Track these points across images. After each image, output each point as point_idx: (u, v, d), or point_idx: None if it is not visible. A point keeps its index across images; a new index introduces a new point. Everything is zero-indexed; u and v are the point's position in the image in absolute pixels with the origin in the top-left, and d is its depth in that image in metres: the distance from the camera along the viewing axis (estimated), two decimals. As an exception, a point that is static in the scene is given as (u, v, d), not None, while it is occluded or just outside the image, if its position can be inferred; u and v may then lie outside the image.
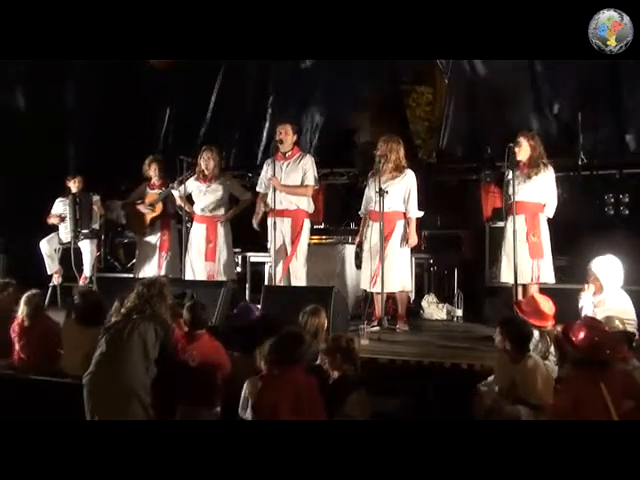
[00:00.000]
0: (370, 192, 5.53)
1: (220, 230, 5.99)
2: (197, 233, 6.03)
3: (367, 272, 5.46)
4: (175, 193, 6.09)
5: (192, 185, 6.04)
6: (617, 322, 3.66)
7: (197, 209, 6.05)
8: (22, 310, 4.43)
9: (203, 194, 6.02)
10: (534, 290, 4.90)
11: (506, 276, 5.09)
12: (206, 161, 5.96)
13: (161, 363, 3.45)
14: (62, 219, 6.70)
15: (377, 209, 5.25)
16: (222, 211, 6.03)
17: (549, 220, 5.16)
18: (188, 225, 6.07)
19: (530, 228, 4.99)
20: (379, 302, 5.40)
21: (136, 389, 3.33)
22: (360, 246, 5.59)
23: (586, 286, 4.41)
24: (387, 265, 5.25)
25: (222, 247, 5.98)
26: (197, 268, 5.96)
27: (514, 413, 3.34)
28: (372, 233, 5.42)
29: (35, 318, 4.42)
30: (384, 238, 5.22)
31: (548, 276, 5.04)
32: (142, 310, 3.55)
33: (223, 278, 5.90)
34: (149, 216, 6.31)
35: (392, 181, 5.38)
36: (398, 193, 5.39)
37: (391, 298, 5.80)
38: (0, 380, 4.12)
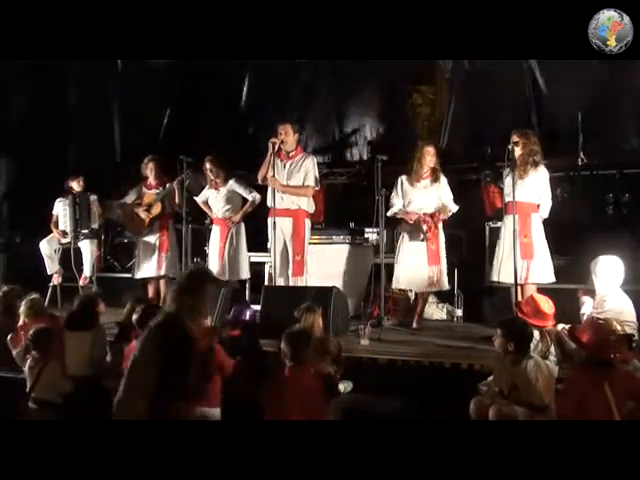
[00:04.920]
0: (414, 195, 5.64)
1: (232, 230, 6.13)
2: (214, 234, 6.26)
3: (419, 275, 5.57)
4: (198, 200, 6.34)
5: (207, 192, 6.30)
6: (614, 324, 3.66)
7: (213, 212, 6.30)
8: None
9: (214, 200, 6.26)
10: (531, 290, 4.89)
11: (496, 275, 5.14)
12: (210, 171, 6.16)
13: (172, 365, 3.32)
14: (56, 224, 6.73)
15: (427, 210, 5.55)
16: (233, 213, 6.18)
17: (549, 220, 5.16)
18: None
19: (522, 229, 4.95)
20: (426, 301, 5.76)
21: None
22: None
23: (580, 293, 4.47)
24: (443, 267, 5.57)
25: (233, 247, 6.12)
26: (212, 267, 6.07)
27: (512, 413, 3.34)
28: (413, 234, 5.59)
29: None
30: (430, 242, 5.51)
31: (540, 276, 5.03)
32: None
33: (233, 277, 6.08)
34: (149, 216, 6.32)
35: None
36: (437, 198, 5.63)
37: (391, 298, 5.84)
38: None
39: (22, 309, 4.54)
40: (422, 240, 5.48)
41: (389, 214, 5.70)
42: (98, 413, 3.68)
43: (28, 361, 3.96)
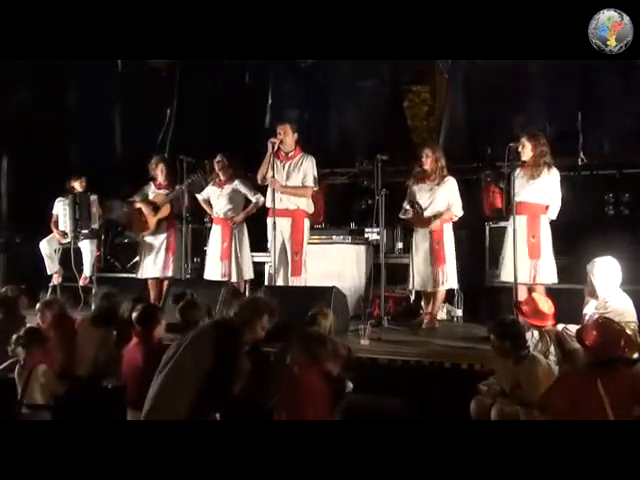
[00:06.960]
0: (419, 195, 5.64)
1: (234, 231, 6.09)
2: (214, 234, 6.19)
3: (425, 275, 5.56)
4: (199, 197, 6.31)
5: (210, 189, 6.23)
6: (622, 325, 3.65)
7: (214, 211, 6.24)
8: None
9: (217, 198, 6.20)
10: (539, 291, 4.90)
11: (505, 275, 5.12)
12: (220, 168, 6.13)
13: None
14: (56, 224, 6.72)
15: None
16: (235, 213, 6.14)
17: (550, 220, 5.16)
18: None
19: (530, 229, 4.96)
20: (438, 300, 5.63)
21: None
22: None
23: (585, 293, 4.46)
24: (448, 266, 5.51)
25: (237, 247, 6.08)
26: (214, 268, 6.08)
27: (515, 413, 3.34)
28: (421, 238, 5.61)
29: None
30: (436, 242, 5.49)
31: (546, 277, 5.04)
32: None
33: (240, 278, 6.04)
34: (156, 217, 6.31)
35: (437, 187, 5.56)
36: (443, 199, 5.57)
37: (391, 298, 5.84)
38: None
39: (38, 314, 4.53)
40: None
41: (401, 216, 5.78)
42: (95, 413, 3.70)
43: (17, 366, 3.90)
